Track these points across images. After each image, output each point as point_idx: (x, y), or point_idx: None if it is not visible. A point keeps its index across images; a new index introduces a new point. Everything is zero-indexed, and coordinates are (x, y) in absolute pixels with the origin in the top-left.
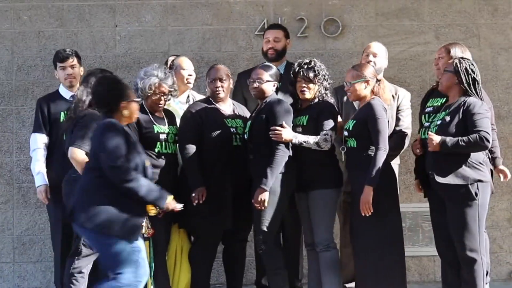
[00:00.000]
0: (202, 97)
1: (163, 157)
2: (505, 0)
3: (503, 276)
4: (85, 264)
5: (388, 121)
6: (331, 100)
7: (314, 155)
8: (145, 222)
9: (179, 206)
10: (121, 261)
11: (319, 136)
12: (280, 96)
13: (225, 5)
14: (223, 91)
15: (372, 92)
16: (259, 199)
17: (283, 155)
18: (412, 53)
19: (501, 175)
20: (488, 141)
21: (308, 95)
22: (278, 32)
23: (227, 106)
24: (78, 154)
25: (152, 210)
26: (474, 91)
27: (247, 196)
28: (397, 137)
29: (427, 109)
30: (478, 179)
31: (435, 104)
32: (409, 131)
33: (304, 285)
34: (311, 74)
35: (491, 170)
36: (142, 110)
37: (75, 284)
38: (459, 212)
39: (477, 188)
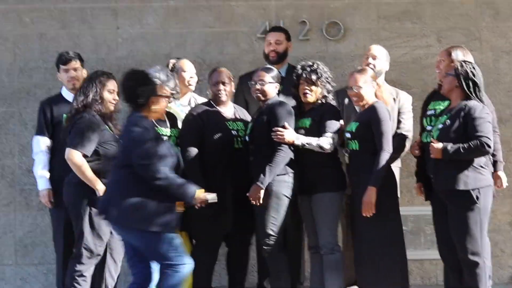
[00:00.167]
0: (204, 99)
1: None
2: (507, 3)
3: (505, 280)
4: (86, 268)
5: None
6: (334, 102)
7: (317, 157)
8: None
9: (210, 197)
10: (167, 252)
11: (322, 138)
12: (282, 98)
13: (227, 8)
14: (226, 94)
15: (375, 95)
16: (255, 195)
17: (284, 156)
18: (414, 56)
19: (497, 181)
20: (489, 146)
21: (311, 97)
22: (279, 35)
23: (228, 109)
24: (75, 156)
25: (179, 206)
26: (475, 95)
27: (248, 200)
28: (398, 140)
29: (429, 112)
30: (479, 183)
31: (436, 107)
32: (410, 134)
33: None
34: (314, 77)
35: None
36: None
37: (77, 287)
38: (461, 216)
39: (479, 192)
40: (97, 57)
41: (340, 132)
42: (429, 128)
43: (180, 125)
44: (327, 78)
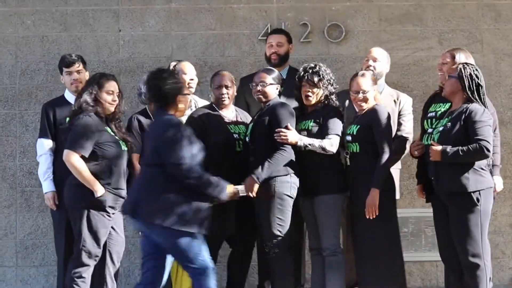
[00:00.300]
0: (205, 101)
1: None
2: (509, 6)
3: (505, 282)
4: (85, 269)
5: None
6: (337, 104)
7: (319, 159)
8: None
9: (240, 189)
10: (195, 253)
11: (324, 140)
12: (283, 100)
13: (229, 10)
14: (228, 98)
15: (374, 98)
16: (249, 188)
17: (285, 156)
18: (415, 59)
19: None
20: (488, 150)
21: (313, 99)
22: (280, 37)
23: (230, 112)
24: (72, 157)
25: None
26: (477, 98)
27: (251, 202)
28: (398, 142)
29: (429, 114)
30: (480, 185)
31: (437, 110)
32: (410, 136)
33: None
34: (316, 79)
35: None
36: (145, 114)
37: None
38: (461, 218)
39: (479, 194)
40: (98, 59)
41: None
42: (430, 130)
43: None
44: (329, 80)
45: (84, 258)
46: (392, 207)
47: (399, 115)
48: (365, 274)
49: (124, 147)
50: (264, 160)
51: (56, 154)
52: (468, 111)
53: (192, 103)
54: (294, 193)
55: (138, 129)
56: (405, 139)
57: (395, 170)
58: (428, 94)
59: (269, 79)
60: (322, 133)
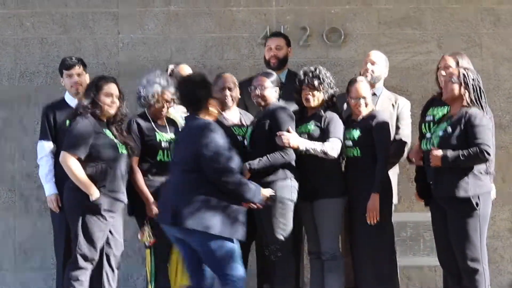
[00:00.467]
0: None
1: None
2: (507, 10)
3: (504, 286)
4: (82, 272)
5: None
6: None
7: (319, 163)
8: (147, 231)
9: (272, 193)
10: (231, 260)
11: (326, 144)
12: (282, 104)
13: (228, 13)
14: (231, 99)
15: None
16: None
17: (285, 158)
18: (414, 62)
19: None
20: (488, 154)
21: (313, 102)
22: (279, 40)
23: (234, 115)
24: (67, 159)
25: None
26: (479, 103)
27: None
28: (396, 146)
29: (427, 118)
30: (479, 190)
31: (435, 114)
32: (408, 140)
33: None
34: (316, 82)
35: None
36: (144, 117)
37: None
38: (460, 222)
39: (478, 199)
40: (97, 62)
41: None
42: (428, 135)
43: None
44: (329, 84)
45: (80, 261)
46: (390, 211)
47: (397, 119)
48: (364, 278)
49: (122, 151)
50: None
51: (57, 156)
52: (468, 115)
53: None
54: (294, 197)
55: (137, 132)
56: (403, 143)
57: (393, 175)
58: (427, 98)
59: (267, 82)
60: (323, 137)
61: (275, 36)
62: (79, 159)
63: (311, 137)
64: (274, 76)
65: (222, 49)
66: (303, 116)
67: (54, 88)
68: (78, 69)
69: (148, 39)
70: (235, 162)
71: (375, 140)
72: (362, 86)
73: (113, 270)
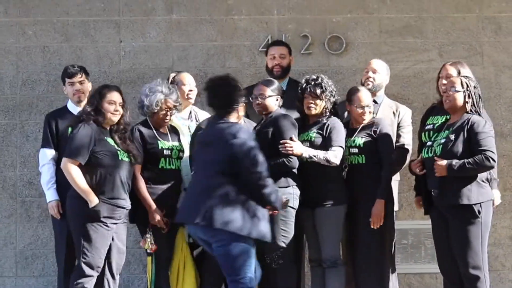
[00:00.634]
0: (205, 113)
1: None
2: (509, 18)
3: None
4: (88, 280)
5: None
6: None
7: (321, 171)
8: (149, 238)
9: (285, 198)
10: (248, 263)
11: (329, 151)
12: (283, 112)
13: (230, 22)
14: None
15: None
16: None
17: (289, 166)
18: (415, 71)
19: None
20: (494, 160)
21: (315, 111)
22: (283, 49)
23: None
24: (68, 165)
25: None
26: (479, 110)
27: None
28: (398, 154)
29: (427, 127)
30: (481, 198)
31: (435, 122)
32: (409, 148)
33: None
34: (318, 90)
35: None
36: (146, 125)
37: None
38: (462, 230)
39: (481, 207)
40: (99, 70)
41: None
42: (429, 143)
43: (182, 138)
44: (331, 92)
45: (85, 269)
46: (392, 219)
47: (398, 126)
48: (364, 284)
49: (123, 158)
50: None
51: (59, 163)
52: (470, 123)
53: (192, 115)
54: (296, 204)
55: (140, 139)
56: (405, 151)
57: (394, 182)
58: (428, 106)
59: (268, 91)
60: (325, 145)
61: (278, 44)
62: (80, 166)
63: (312, 145)
64: (276, 84)
65: (223, 57)
66: (304, 124)
67: (56, 96)
68: (80, 77)
69: (150, 47)
70: (266, 165)
71: (380, 147)
72: (365, 94)
73: (114, 277)
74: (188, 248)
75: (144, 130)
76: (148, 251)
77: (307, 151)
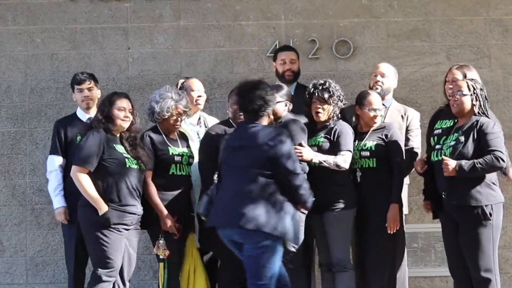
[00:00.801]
0: (214, 118)
1: None
2: None
3: None
4: (105, 285)
5: None
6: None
7: (330, 175)
8: (162, 244)
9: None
10: (274, 268)
11: (338, 156)
12: (291, 116)
13: (237, 27)
14: None
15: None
16: None
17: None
18: (423, 74)
19: None
20: (503, 160)
21: (323, 116)
22: (292, 54)
23: None
24: (77, 172)
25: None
26: (486, 112)
27: None
28: (407, 157)
29: (436, 131)
30: (492, 200)
31: (443, 126)
32: (418, 151)
33: None
34: (326, 95)
35: None
36: (156, 131)
37: None
38: (473, 233)
39: (491, 209)
40: (108, 76)
41: None
42: (438, 146)
43: (191, 144)
44: (339, 96)
45: (102, 275)
46: (402, 222)
47: (407, 130)
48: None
49: (131, 165)
50: None
51: (67, 171)
52: (479, 124)
53: (201, 120)
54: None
55: (150, 146)
56: (415, 154)
57: (404, 186)
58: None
59: (277, 97)
60: (334, 149)
61: (287, 49)
62: (89, 173)
63: (320, 149)
64: (285, 89)
65: (231, 62)
66: (312, 129)
67: (64, 103)
68: (89, 84)
69: (158, 53)
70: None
71: (391, 151)
72: (376, 98)
73: (124, 284)
74: (198, 254)
75: (155, 136)
76: (161, 257)
77: (316, 157)
